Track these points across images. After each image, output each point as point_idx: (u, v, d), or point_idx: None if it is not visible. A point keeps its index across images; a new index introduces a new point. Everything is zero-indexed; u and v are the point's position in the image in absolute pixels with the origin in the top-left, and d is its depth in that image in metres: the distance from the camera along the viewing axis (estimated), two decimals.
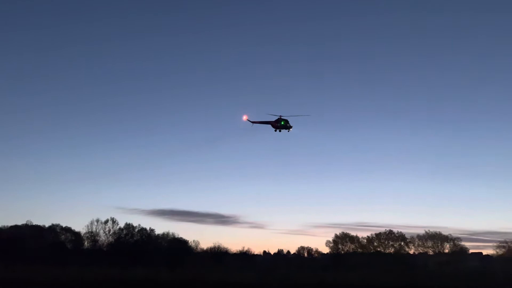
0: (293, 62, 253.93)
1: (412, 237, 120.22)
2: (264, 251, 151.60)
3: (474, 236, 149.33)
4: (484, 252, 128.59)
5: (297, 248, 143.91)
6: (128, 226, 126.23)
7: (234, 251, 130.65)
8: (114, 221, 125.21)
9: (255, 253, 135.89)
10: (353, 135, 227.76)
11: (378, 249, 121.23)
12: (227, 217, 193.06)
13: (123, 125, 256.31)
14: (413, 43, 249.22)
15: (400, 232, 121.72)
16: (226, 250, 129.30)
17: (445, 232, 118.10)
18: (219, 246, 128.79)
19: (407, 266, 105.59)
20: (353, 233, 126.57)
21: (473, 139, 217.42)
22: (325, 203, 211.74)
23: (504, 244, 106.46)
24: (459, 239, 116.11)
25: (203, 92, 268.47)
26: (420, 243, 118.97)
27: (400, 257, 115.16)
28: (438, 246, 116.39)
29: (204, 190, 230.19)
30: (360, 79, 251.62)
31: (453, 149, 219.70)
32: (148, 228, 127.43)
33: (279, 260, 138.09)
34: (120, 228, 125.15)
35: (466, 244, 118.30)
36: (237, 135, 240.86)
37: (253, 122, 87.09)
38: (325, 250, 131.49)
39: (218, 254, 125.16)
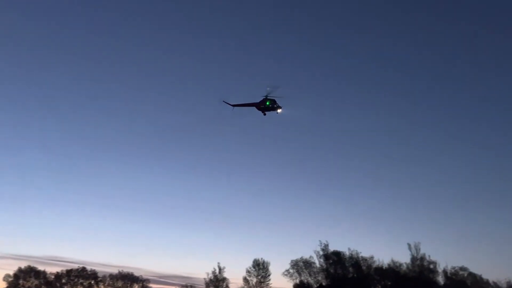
0: None
1: (104, 276, 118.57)
2: None
3: (163, 279, 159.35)
4: None
5: None
6: None
7: None
8: None
9: None
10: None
11: (66, 287, 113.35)
12: None
13: None
14: None
15: (94, 270, 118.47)
16: None
17: (137, 273, 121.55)
18: None
19: None
20: (41, 268, 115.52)
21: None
22: (11, 232, 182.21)
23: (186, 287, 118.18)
24: (148, 280, 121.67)
25: None
26: (111, 282, 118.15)
27: None
28: (128, 286, 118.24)
29: None
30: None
31: (155, 192, 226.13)
32: None
33: None
34: None
35: (154, 286, 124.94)
36: None
37: (233, 106, 76.47)
38: (3, 285, 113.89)
39: None
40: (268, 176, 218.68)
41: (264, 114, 77.45)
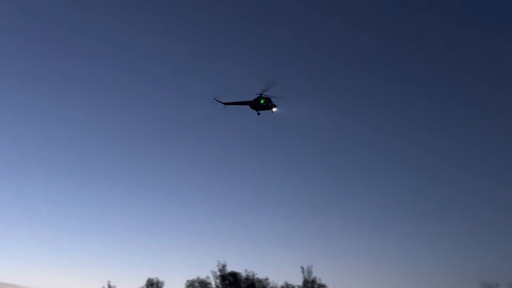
0: None
1: None
2: None
3: None
4: None
5: None
6: None
7: None
8: None
9: None
10: None
11: None
12: None
13: None
14: None
15: None
16: None
17: None
18: None
19: None
20: None
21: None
22: None
23: None
24: None
25: None
26: None
27: None
28: None
29: None
30: None
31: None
32: None
33: None
34: None
35: None
36: None
37: (225, 104, 73.28)
38: None
39: None
40: (166, 190, 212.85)
41: (258, 114, 72.93)
